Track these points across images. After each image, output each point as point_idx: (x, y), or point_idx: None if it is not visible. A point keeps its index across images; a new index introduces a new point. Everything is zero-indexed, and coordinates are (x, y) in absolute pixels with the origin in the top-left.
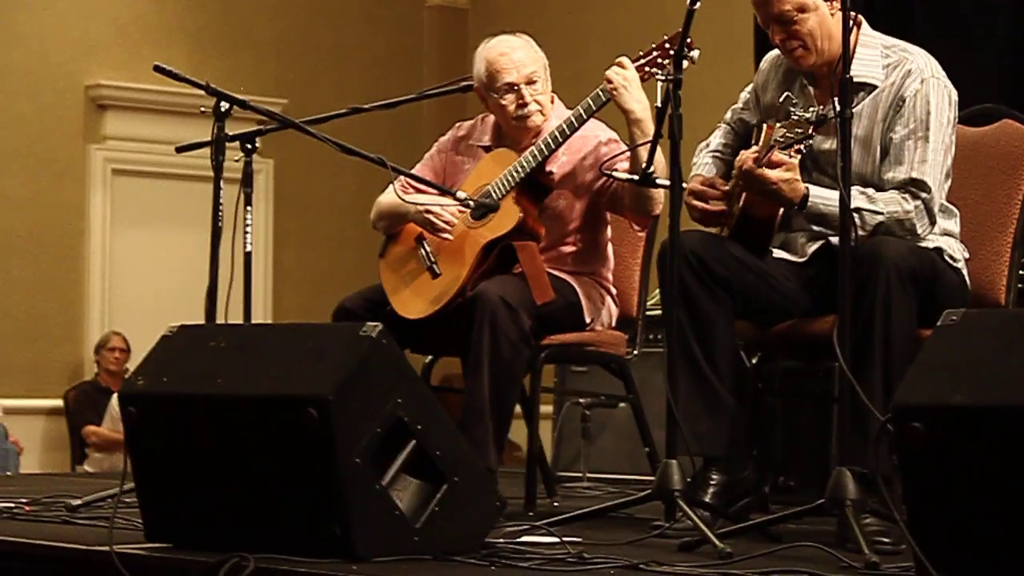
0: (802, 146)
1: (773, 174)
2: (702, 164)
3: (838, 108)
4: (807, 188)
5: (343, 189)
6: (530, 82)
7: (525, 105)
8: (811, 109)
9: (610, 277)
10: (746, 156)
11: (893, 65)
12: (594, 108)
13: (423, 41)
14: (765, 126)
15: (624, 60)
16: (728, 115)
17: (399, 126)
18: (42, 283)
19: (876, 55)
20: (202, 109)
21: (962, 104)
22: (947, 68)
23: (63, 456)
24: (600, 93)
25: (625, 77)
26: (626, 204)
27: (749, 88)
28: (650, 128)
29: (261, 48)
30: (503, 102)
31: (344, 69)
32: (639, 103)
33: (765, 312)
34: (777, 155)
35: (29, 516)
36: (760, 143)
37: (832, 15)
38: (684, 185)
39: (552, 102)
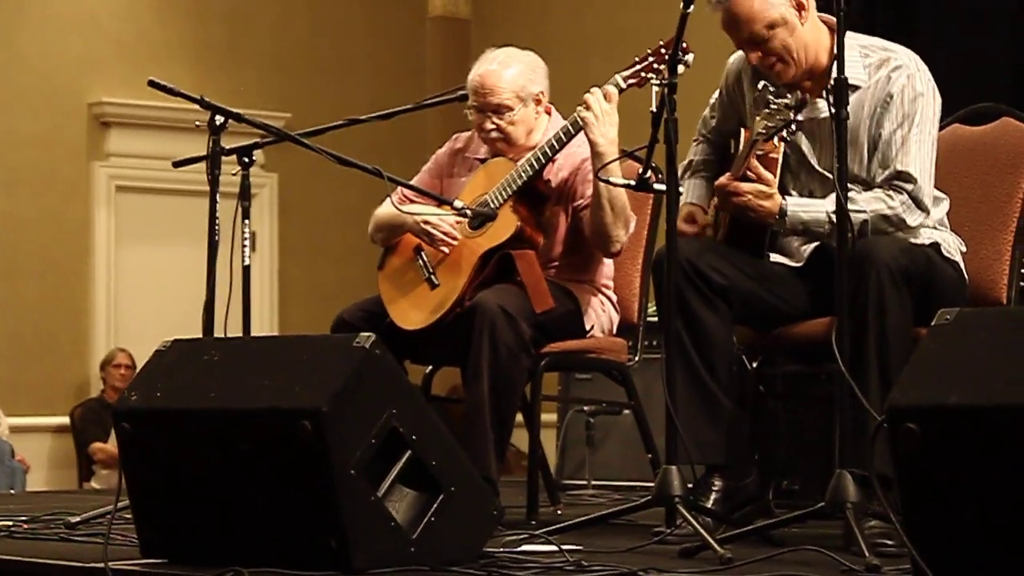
0: (785, 133)
1: (745, 186)
2: (687, 189)
3: (832, 110)
4: (784, 199)
5: (348, 201)
6: (497, 111)
7: (487, 130)
8: (788, 95)
9: (610, 284)
10: (723, 177)
11: (876, 64)
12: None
13: (426, 52)
14: (743, 130)
15: (607, 90)
16: (700, 126)
17: (402, 137)
18: (48, 301)
19: (855, 56)
20: (197, 123)
21: (966, 103)
22: (951, 67)
23: (70, 473)
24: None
25: (602, 109)
26: (587, 236)
27: (716, 95)
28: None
29: (264, 63)
30: (471, 117)
31: (347, 81)
32: (604, 137)
33: (764, 317)
34: (755, 165)
35: (27, 534)
36: (740, 149)
37: (803, 24)
38: (680, 189)
39: (550, 113)
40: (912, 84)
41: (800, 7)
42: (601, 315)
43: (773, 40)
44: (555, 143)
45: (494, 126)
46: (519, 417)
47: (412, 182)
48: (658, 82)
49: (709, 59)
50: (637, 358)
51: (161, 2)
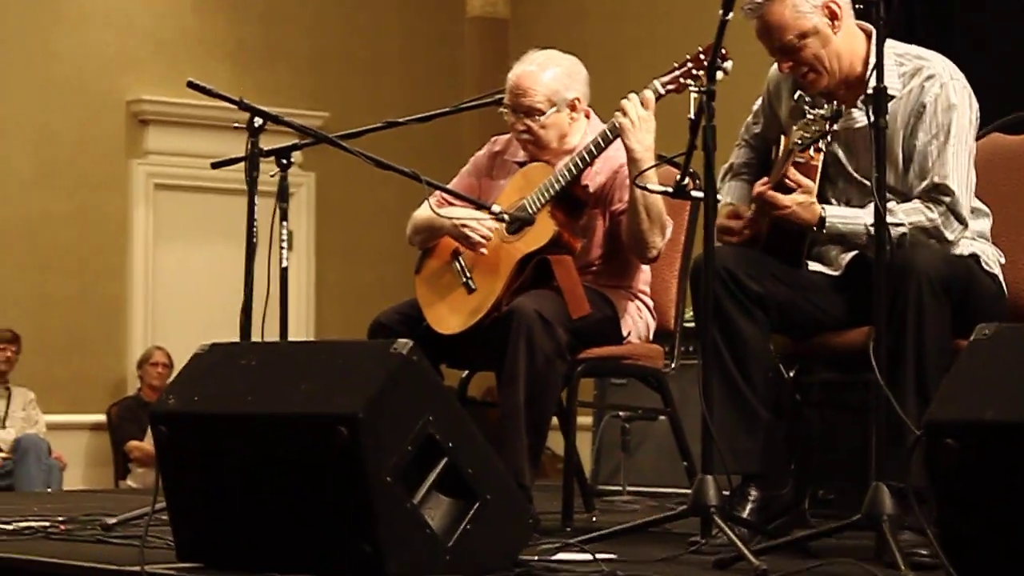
0: (821, 144)
1: (786, 198)
2: (728, 191)
3: (869, 118)
4: (823, 209)
5: (385, 202)
6: (528, 113)
7: (518, 131)
8: (825, 105)
9: (647, 290)
10: (760, 183)
11: (910, 73)
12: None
13: (464, 53)
14: (783, 138)
15: (645, 96)
16: (743, 131)
17: (440, 139)
18: (85, 298)
19: (890, 64)
20: (236, 124)
21: (1006, 112)
22: (990, 75)
23: (106, 471)
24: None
25: (639, 115)
26: (624, 242)
27: (759, 102)
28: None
29: (300, 62)
30: (506, 117)
31: (384, 82)
32: (640, 144)
33: (802, 325)
34: (793, 173)
35: (63, 535)
36: (779, 157)
37: (836, 34)
38: (719, 197)
39: (588, 117)
40: (946, 94)
41: (833, 16)
42: (638, 321)
43: (805, 50)
44: (593, 148)
45: (525, 128)
46: (554, 421)
47: (450, 185)
48: (696, 88)
49: (749, 66)
50: (673, 365)
51: (197, 0)
